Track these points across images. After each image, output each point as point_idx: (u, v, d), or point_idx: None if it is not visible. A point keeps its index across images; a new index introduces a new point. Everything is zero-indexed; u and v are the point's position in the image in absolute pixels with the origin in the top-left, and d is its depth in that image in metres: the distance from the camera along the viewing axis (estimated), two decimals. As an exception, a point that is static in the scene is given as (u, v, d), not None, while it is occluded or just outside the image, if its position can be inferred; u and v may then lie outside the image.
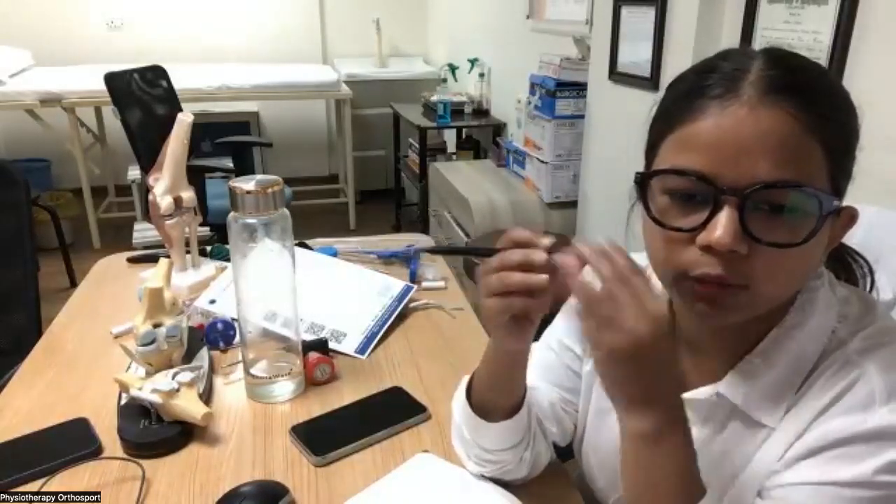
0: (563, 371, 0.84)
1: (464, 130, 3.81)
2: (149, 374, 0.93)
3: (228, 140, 3.03)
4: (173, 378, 0.90)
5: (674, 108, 0.59)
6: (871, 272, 0.72)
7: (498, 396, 0.74)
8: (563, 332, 0.85)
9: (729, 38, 1.68)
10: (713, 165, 0.55)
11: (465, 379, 0.78)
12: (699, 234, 0.56)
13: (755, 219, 0.55)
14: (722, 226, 0.54)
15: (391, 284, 1.28)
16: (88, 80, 3.45)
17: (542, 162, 2.57)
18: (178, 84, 3.25)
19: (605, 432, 0.80)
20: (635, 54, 1.99)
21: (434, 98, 3.75)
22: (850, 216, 0.61)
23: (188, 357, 1.01)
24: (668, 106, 0.61)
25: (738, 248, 0.54)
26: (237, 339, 1.08)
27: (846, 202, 0.60)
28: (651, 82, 1.92)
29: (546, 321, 0.87)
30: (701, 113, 0.56)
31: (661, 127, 0.60)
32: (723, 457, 0.65)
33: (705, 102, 0.56)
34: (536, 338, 0.88)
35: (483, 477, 0.81)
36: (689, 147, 0.57)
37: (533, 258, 0.60)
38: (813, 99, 0.55)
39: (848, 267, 0.72)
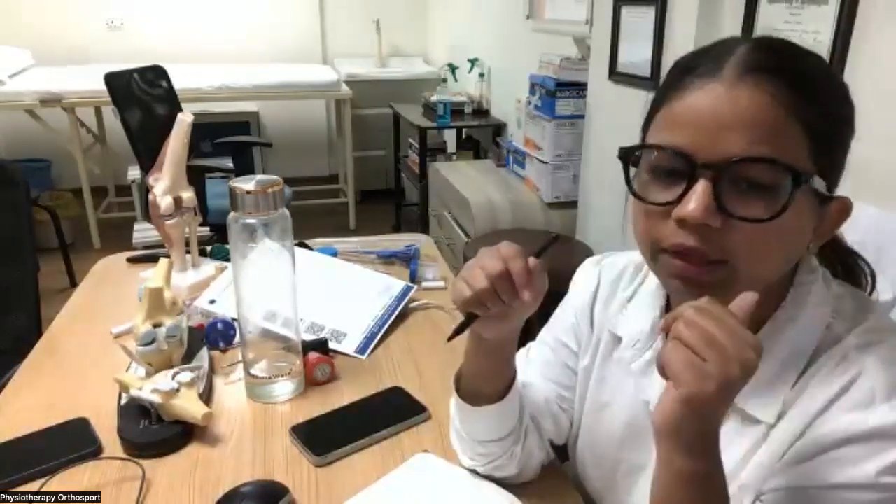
0: (560, 368, 0.84)
1: (464, 130, 3.81)
2: (149, 374, 0.93)
3: (228, 140, 3.03)
4: (173, 378, 0.90)
5: (666, 85, 0.61)
6: (873, 275, 0.72)
7: (482, 382, 0.75)
8: (559, 329, 0.85)
9: (729, 38, 1.68)
10: (691, 141, 0.56)
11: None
12: (676, 207, 0.57)
13: (731, 193, 0.55)
14: (695, 199, 0.55)
15: (391, 284, 1.28)
16: (88, 80, 3.45)
17: (542, 162, 2.57)
18: (178, 84, 3.25)
19: (601, 429, 0.79)
20: (635, 54, 1.99)
21: (434, 98, 3.74)
22: (843, 207, 0.61)
23: (188, 357, 1.01)
24: (663, 84, 0.62)
25: (710, 222, 0.55)
26: (237, 339, 1.09)
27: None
28: (651, 82, 1.92)
29: (544, 318, 0.88)
30: (686, 90, 0.58)
31: (654, 104, 0.62)
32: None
33: (692, 80, 0.58)
34: (534, 337, 0.88)
35: (483, 477, 0.81)
36: (671, 124, 0.59)
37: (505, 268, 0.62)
38: (794, 81, 0.56)
39: (849, 268, 0.72)
